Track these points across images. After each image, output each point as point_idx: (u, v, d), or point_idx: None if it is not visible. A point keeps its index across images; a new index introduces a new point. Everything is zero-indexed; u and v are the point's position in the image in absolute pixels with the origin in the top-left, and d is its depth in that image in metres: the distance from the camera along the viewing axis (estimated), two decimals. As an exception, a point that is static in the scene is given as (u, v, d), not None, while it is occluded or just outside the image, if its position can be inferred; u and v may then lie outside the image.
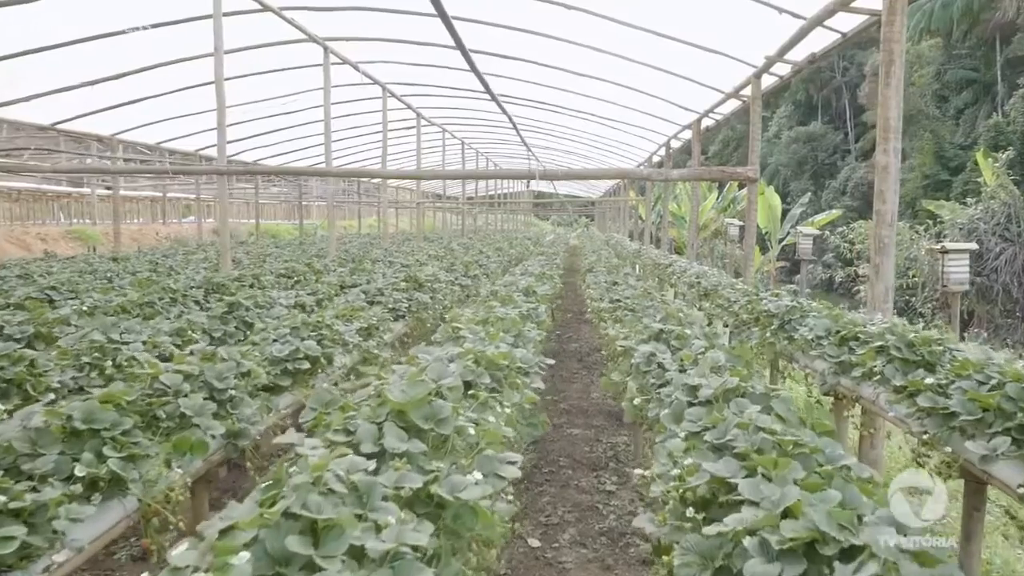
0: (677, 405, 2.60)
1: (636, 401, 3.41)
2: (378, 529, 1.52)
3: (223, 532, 1.43)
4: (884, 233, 4.80)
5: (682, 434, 2.35)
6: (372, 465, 1.81)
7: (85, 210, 24.22)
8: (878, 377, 3.55)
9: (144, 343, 4.14)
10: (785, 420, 2.31)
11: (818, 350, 4.34)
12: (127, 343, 4.03)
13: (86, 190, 23.23)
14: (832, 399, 4.21)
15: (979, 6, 30.52)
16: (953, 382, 3.02)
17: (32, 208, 22.66)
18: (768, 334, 5.21)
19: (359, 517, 1.55)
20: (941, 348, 3.50)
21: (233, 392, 3.03)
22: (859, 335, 4.10)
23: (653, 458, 2.60)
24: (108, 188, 19.70)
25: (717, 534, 1.54)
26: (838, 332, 4.30)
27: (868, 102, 36.73)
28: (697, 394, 2.64)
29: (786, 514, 1.53)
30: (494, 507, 1.97)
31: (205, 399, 2.87)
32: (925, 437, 2.92)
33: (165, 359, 3.79)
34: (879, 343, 3.73)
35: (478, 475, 1.89)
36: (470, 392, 2.70)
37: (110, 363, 3.70)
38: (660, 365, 3.45)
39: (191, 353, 3.40)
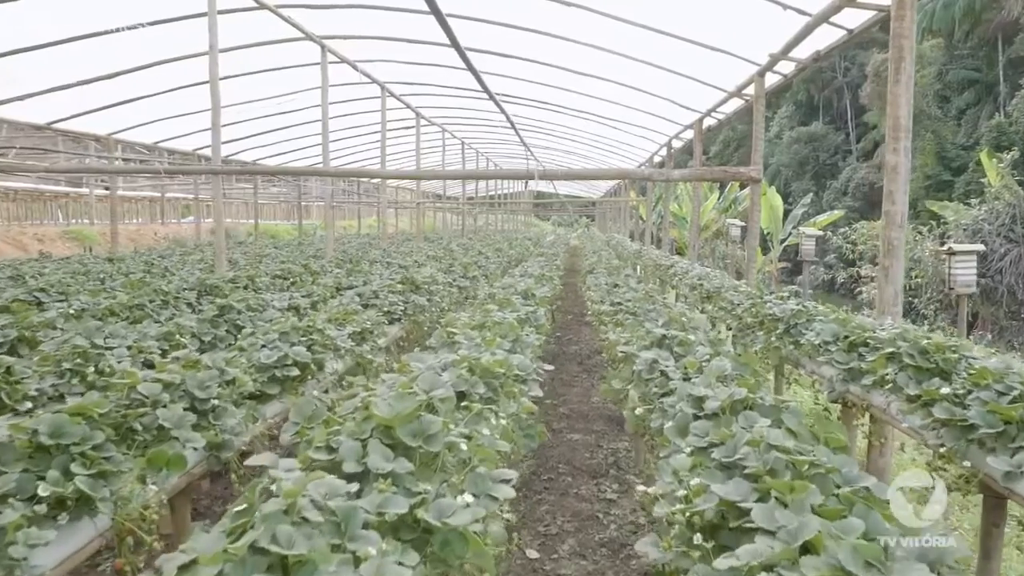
0: (682, 417, 2.47)
1: (638, 411, 3.27)
2: (357, 562, 1.39)
3: (183, 568, 1.29)
4: (894, 235, 4.66)
5: (687, 449, 2.21)
6: (354, 487, 1.67)
7: (83, 210, 24.02)
8: (890, 385, 3.41)
9: (129, 348, 3.99)
10: (797, 435, 2.17)
11: (826, 356, 4.19)
12: (111, 348, 3.89)
13: (84, 190, 23.06)
14: (840, 407, 4.07)
15: (981, 6, 30.40)
16: (971, 392, 2.87)
17: (30, 208, 22.47)
18: (773, 338, 5.06)
19: (336, 548, 1.42)
20: (956, 355, 3.36)
21: (216, 401, 2.89)
22: (869, 341, 3.95)
23: (656, 472, 2.47)
24: (107, 188, 19.55)
25: (729, 569, 1.40)
26: (846, 337, 4.16)
27: (870, 102, 36.58)
28: (703, 406, 2.51)
29: (806, 547, 1.40)
30: (487, 531, 1.83)
31: (186, 409, 2.73)
32: (942, 450, 2.78)
33: (150, 365, 3.65)
34: (890, 349, 3.58)
35: (469, 497, 1.75)
36: (463, 403, 2.57)
37: (92, 369, 3.56)
38: (663, 373, 3.31)
39: (175, 360, 3.26)
